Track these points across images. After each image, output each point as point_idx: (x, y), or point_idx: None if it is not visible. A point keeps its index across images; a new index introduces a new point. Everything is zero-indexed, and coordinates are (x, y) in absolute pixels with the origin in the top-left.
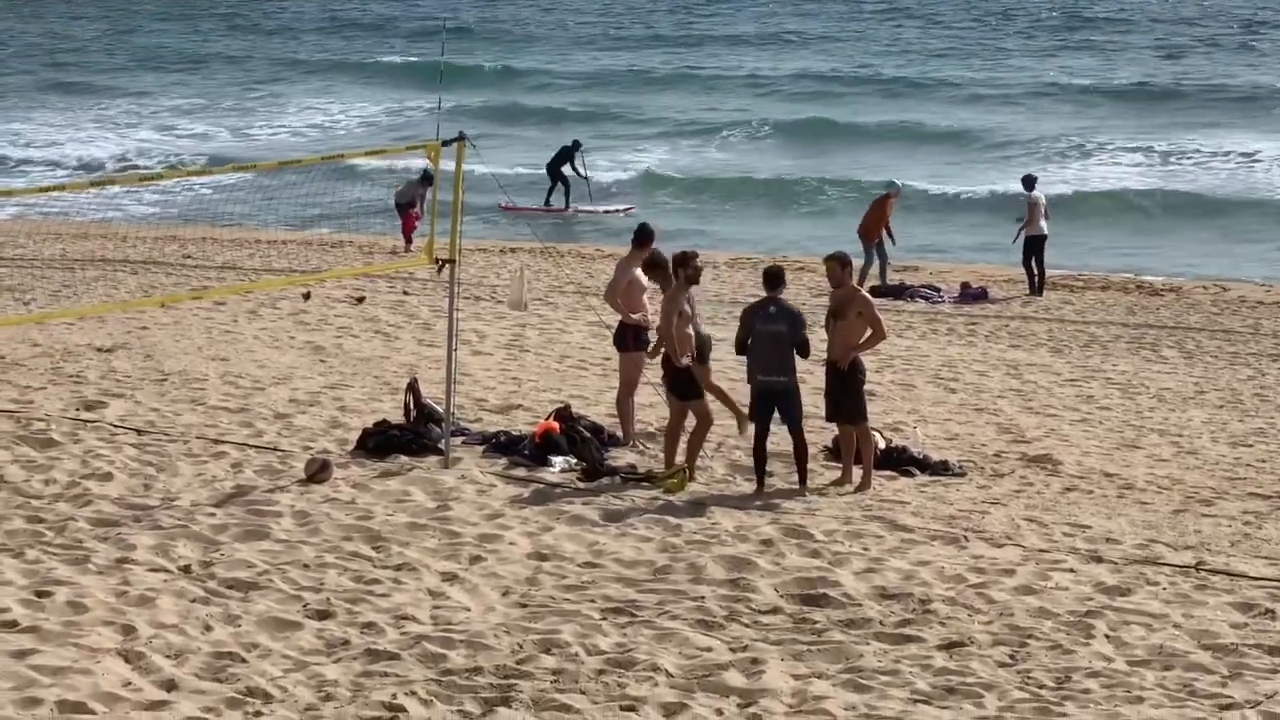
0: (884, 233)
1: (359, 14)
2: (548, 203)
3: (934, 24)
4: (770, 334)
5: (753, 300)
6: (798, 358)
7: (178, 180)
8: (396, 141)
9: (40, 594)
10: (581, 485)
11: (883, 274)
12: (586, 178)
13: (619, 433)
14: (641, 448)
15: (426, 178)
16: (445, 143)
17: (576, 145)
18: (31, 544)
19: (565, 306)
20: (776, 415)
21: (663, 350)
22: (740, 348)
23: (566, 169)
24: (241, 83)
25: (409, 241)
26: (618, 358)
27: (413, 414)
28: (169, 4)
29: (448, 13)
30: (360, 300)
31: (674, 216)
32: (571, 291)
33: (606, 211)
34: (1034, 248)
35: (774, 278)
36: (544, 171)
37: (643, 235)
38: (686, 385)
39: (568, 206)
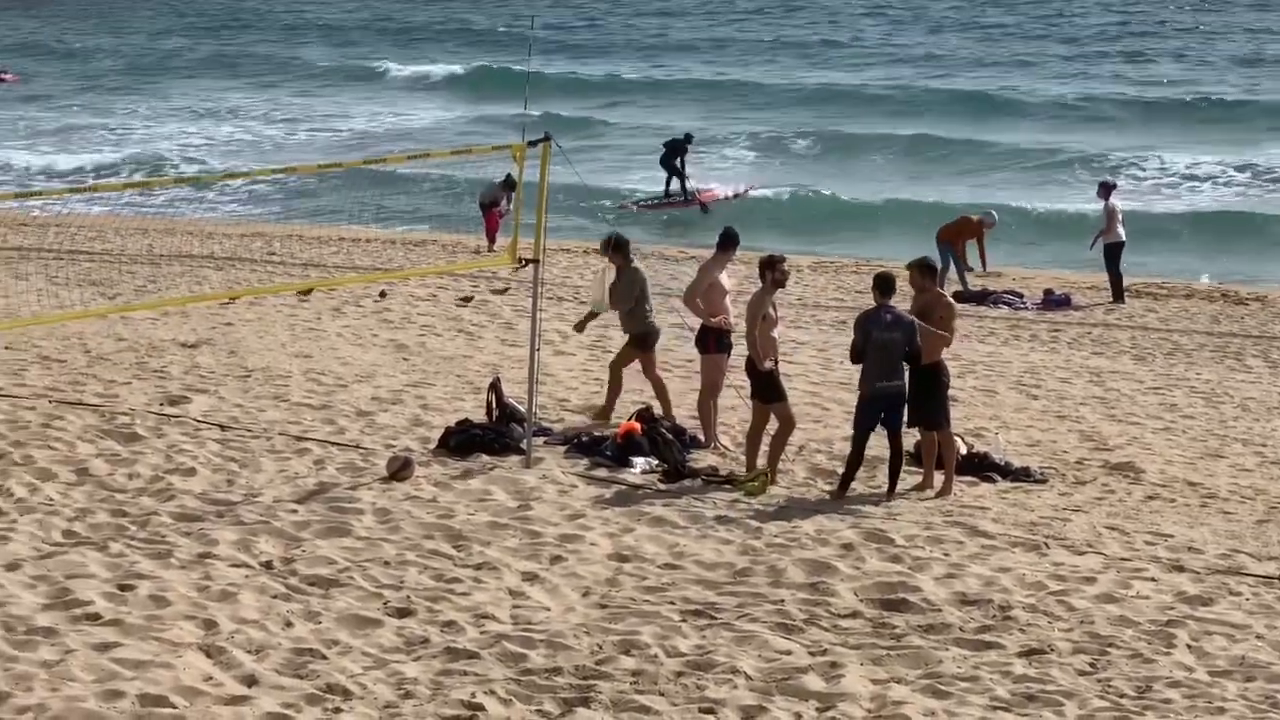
0: (966, 247)
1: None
2: (667, 195)
3: (1004, 35)
4: (886, 341)
5: (867, 308)
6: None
7: (262, 177)
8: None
9: (123, 587)
10: (663, 487)
11: (962, 279)
12: (684, 176)
13: (700, 435)
14: (722, 450)
15: (509, 182)
16: (531, 143)
17: (688, 138)
18: (115, 537)
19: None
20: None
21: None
22: (857, 355)
23: (678, 162)
24: (323, 84)
25: (492, 241)
26: (700, 360)
27: (495, 413)
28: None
29: (529, 18)
30: (468, 300)
31: (767, 228)
32: (654, 293)
33: (736, 196)
34: (1113, 255)
35: (887, 284)
36: (659, 166)
37: (727, 239)
38: (768, 389)
39: (687, 197)
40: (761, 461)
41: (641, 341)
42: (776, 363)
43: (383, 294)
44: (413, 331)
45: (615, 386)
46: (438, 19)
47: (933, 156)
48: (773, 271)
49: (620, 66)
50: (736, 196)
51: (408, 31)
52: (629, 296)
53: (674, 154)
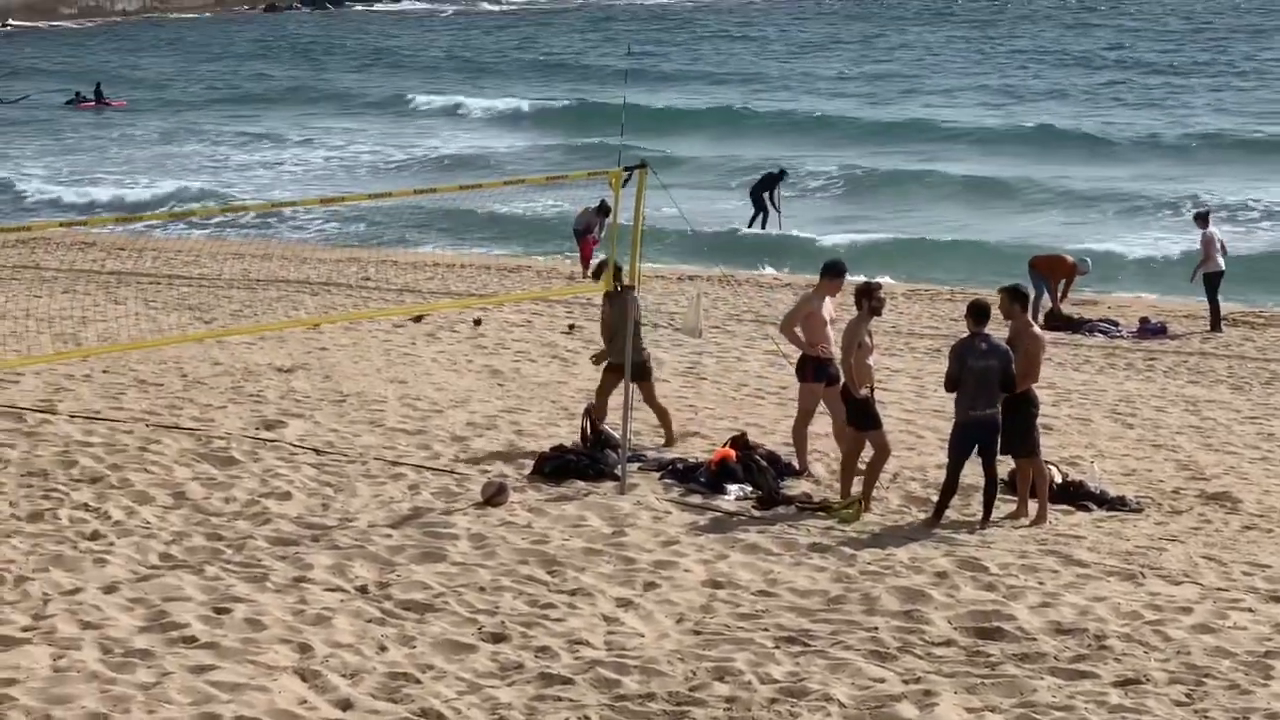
0: (1055, 284)
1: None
2: (750, 225)
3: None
4: (981, 369)
5: (963, 336)
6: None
7: (357, 203)
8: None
9: (219, 610)
10: (757, 513)
11: (1055, 305)
12: (778, 209)
13: (795, 462)
14: (816, 477)
15: (604, 208)
16: (627, 169)
17: (782, 174)
18: (211, 561)
19: (743, 335)
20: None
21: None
22: (952, 384)
23: (769, 195)
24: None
25: (586, 267)
26: (799, 388)
27: (590, 439)
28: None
29: (631, 49)
30: (571, 329)
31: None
32: (749, 320)
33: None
34: (1212, 283)
35: (981, 312)
36: (748, 197)
37: (831, 269)
38: (863, 416)
39: (751, 225)
40: (857, 489)
41: (639, 371)
42: (872, 390)
43: (477, 322)
44: (507, 357)
45: (662, 413)
46: (521, 50)
47: (1028, 197)
48: (869, 299)
49: (710, 97)
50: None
51: (491, 65)
52: (623, 324)
53: (765, 186)
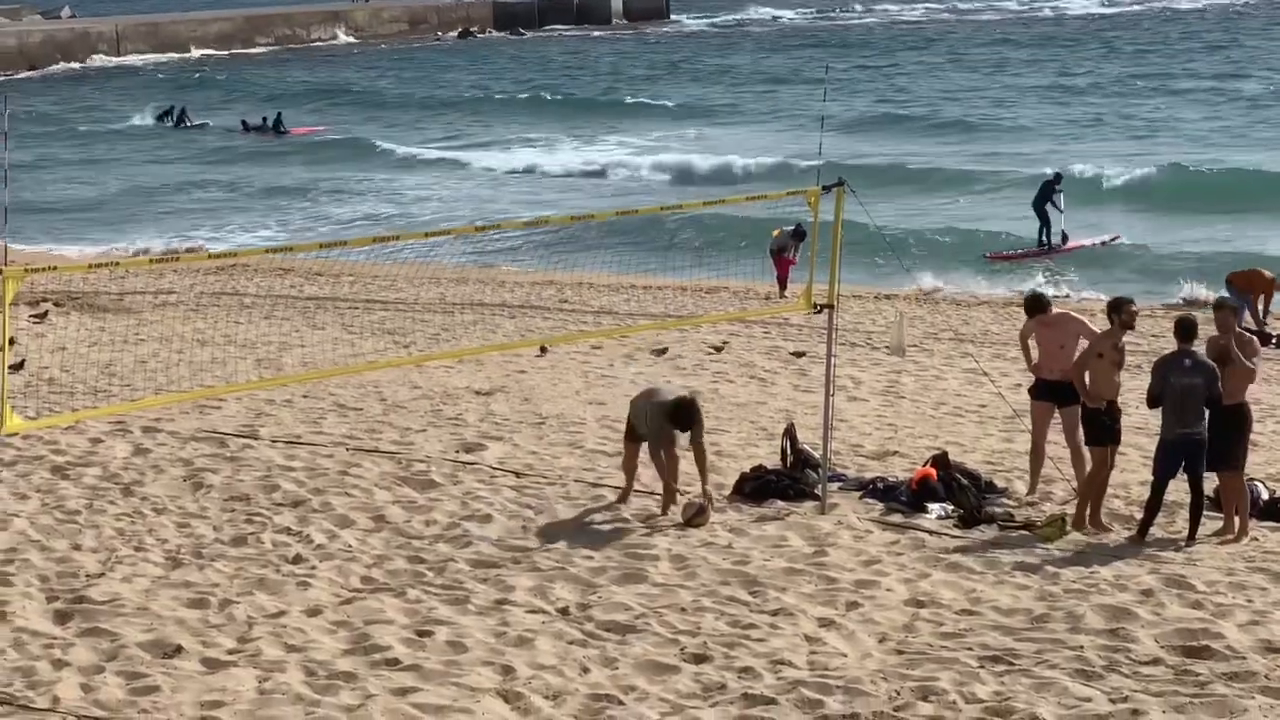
0: (1255, 299)
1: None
2: (1040, 243)
3: None
4: (1186, 387)
5: (1166, 353)
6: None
7: (554, 226)
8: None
9: (421, 633)
10: (959, 532)
11: (1258, 323)
12: (1061, 212)
13: (996, 480)
14: (1034, 499)
15: (799, 231)
16: (825, 188)
17: (1058, 178)
18: (413, 584)
19: (941, 353)
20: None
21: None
22: (1154, 401)
23: (1050, 204)
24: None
25: (783, 287)
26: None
27: (790, 459)
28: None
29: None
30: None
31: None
32: (948, 338)
33: (1102, 244)
34: None
35: (1188, 329)
36: (1031, 210)
37: (1031, 303)
38: (1097, 428)
39: (1050, 246)
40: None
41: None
42: (1113, 404)
43: (663, 351)
44: (705, 378)
45: (670, 465)
46: (728, 65)
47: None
48: (1120, 314)
49: (918, 109)
50: (1103, 245)
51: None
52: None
53: (1044, 196)
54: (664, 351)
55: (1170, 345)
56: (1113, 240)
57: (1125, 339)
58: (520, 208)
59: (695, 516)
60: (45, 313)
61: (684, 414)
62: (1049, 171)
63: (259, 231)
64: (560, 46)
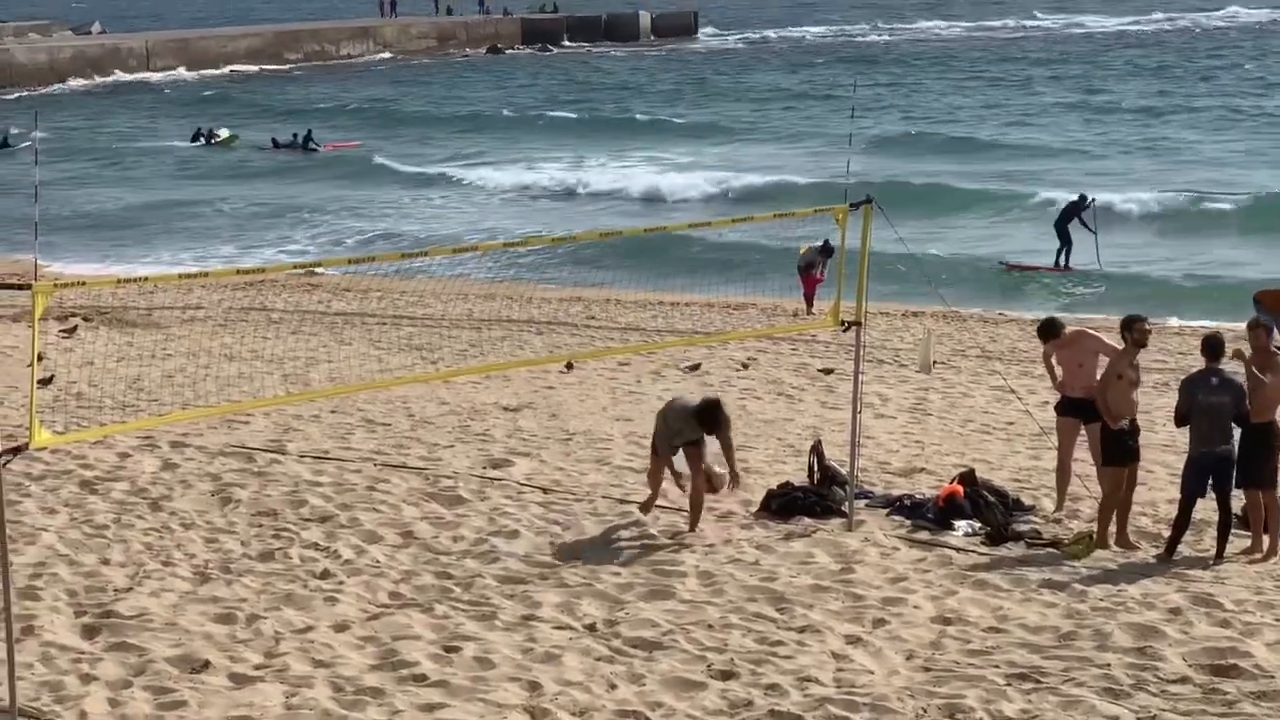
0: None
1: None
2: (1057, 263)
3: None
4: (1213, 405)
5: (1193, 371)
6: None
7: (587, 241)
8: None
9: (449, 649)
10: (986, 549)
11: None
12: (1095, 231)
13: (1023, 497)
14: (1061, 516)
15: (827, 249)
16: (853, 206)
17: (1083, 200)
18: (440, 599)
19: (968, 370)
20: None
21: None
22: (1181, 419)
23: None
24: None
25: (810, 304)
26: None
27: (817, 476)
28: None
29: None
30: (569, 367)
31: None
32: (975, 355)
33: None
34: None
35: (1215, 347)
36: (1053, 229)
37: (1044, 329)
38: (1115, 449)
39: (1068, 265)
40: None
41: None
42: (1133, 423)
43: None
44: (733, 395)
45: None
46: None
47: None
48: (1132, 332)
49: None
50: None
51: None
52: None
53: (1069, 216)
54: (697, 367)
55: (1198, 363)
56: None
57: (1143, 357)
58: (544, 226)
59: (713, 481)
60: (75, 328)
61: (710, 415)
62: (1079, 195)
63: (287, 247)
64: (587, 63)
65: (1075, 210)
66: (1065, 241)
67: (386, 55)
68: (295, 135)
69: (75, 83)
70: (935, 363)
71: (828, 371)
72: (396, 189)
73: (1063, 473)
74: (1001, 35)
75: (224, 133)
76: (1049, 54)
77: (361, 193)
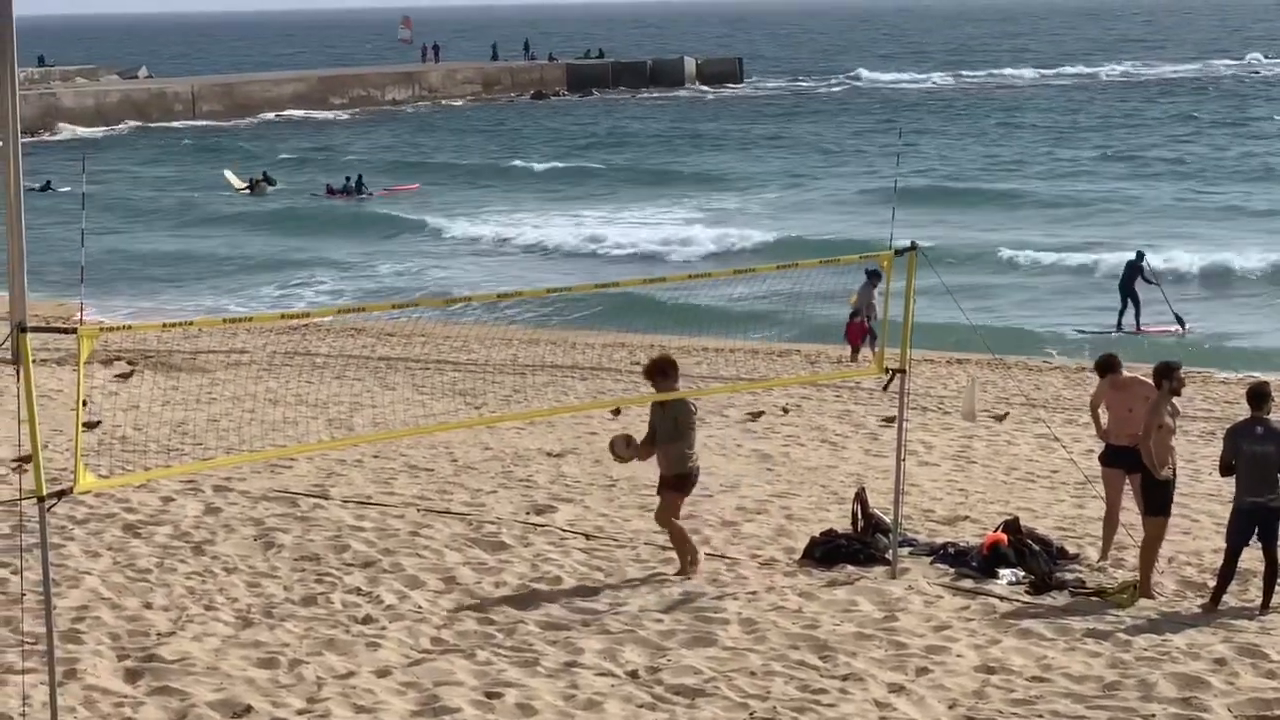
0: None
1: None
2: (1119, 325)
3: None
4: (1258, 455)
5: (1238, 420)
6: None
7: (632, 288)
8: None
9: (490, 695)
10: (1030, 598)
11: None
12: (1158, 284)
13: (1067, 545)
14: (1105, 565)
15: (874, 272)
16: (898, 252)
17: (1140, 257)
18: (482, 645)
19: (1013, 418)
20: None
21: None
22: (1226, 469)
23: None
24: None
25: (856, 353)
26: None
27: (860, 524)
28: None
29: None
30: (615, 413)
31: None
32: (1019, 403)
33: (1176, 332)
34: None
35: (1260, 397)
36: (1117, 292)
37: (1103, 364)
38: (1157, 498)
39: (1138, 327)
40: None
41: (679, 483)
42: (1174, 473)
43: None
44: (777, 442)
45: (680, 539)
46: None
47: None
48: (1169, 380)
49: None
50: (1177, 333)
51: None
52: (673, 431)
53: (1132, 276)
54: (760, 415)
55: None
56: (1181, 330)
57: (1188, 406)
58: (587, 275)
59: (623, 448)
60: (131, 373)
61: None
62: (1136, 253)
63: (325, 287)
64: (631, 109)
65: (1136, 269)
66: (1135, 303)
67: (429, 101)
68: (348, 179)
69: (121, 127)
70: (980, 410)
71: (890, 420)
72: (438, 237)
73: (1110, 523)
74: (1057, 83)
75: (254, 177)
76: (1097, 103)
77: (404, 238)
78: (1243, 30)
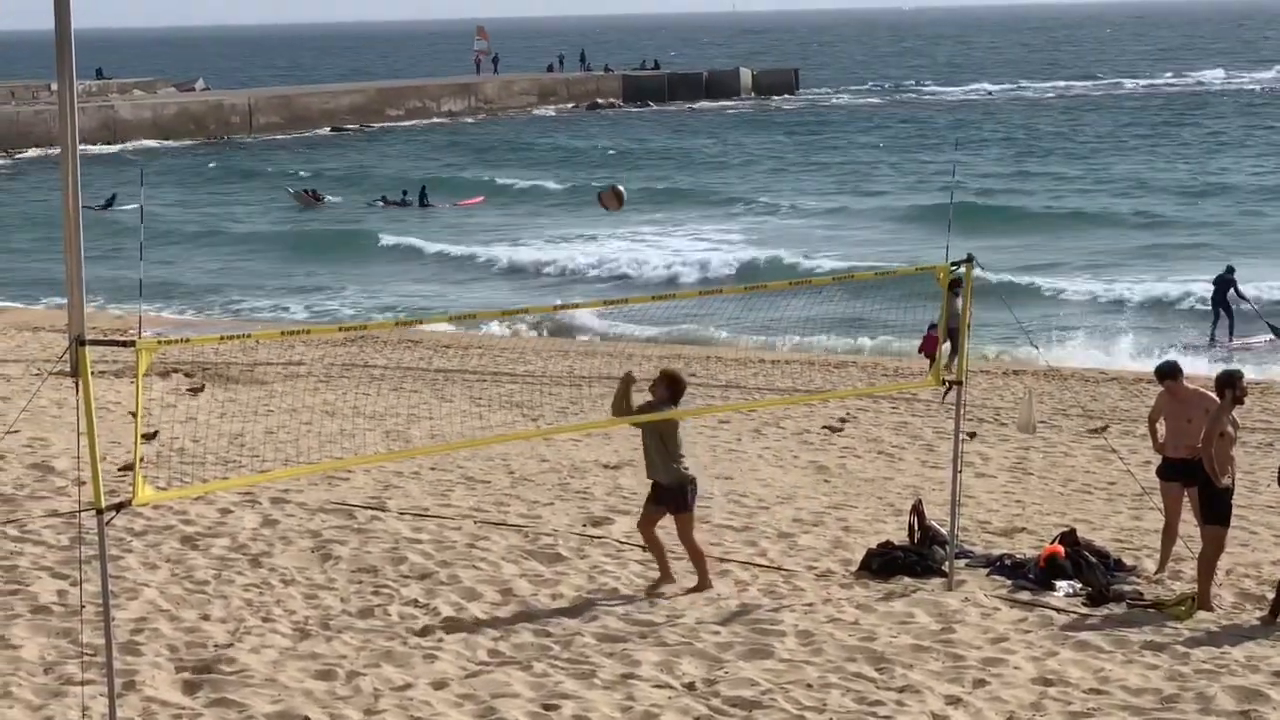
0: None
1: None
2: (1213, 337)
3: None
4: None
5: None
6: None
7: (686, 300)
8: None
9: (547, 707)
10: (1087, 610)
11: None
12: (1246, 300)
13: (1125, 557)
14: (1163, 577)
15: (956, 281)
16: (954, 265)
17: (1231, 271)
18: (539, 657)
19: (1069, 430)
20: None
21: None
22: None
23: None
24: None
25: (932, 363)
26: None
27: (917, 535)
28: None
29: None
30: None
31: None
32: (1076, 414)
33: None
34: None
35: None
36: (1209, 307)
37: (1163, 369)
38: (1217, 508)
39: (1231, 338)
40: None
41: (671, 496)
42: (1233, 483)
43: (836, 427)
44: (833, 453)
45: (657, 549)
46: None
47: None
48: (1232, 389)
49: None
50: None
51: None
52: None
53: (1223, 290)
54: (843, 424)
55: None
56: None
57: (1247, 417)
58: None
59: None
60: (202, 387)
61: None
62: (1226, 267)
63: (382, 299)
64: (686, 121)
65: (1227, 283)
66: (1229, 315)
67: (486, 112)
68: (404, 192)
69: (179, 140)
70: (1038, 422)
71: (972, 436)
72: (496, 248)
73: (1168, 535)
74: (1116, 93)
75: (310, 190)
76: (1165, 115)
77: (462, 250)
78: None
